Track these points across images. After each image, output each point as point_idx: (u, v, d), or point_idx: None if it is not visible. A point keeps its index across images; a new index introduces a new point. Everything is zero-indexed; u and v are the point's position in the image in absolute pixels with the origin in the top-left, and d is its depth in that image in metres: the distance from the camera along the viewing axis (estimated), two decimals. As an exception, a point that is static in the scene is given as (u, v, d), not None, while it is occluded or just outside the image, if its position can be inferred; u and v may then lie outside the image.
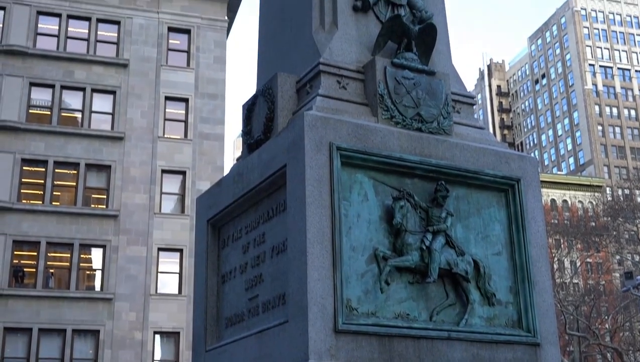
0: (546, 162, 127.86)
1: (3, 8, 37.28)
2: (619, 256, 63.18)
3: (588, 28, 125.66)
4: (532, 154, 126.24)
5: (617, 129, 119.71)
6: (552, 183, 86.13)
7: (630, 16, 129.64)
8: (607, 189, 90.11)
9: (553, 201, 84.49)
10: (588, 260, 64.71)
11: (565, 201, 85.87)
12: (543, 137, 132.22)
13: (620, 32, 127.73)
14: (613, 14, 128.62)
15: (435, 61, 7.74)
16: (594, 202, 66.29)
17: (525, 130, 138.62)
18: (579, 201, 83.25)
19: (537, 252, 7.23)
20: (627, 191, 72.62)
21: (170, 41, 39.28)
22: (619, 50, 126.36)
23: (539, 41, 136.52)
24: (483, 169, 7.18)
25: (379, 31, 7.47)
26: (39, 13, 37.74)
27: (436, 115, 7.26)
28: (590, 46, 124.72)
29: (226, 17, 40.83)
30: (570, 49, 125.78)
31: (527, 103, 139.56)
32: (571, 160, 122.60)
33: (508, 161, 7.39)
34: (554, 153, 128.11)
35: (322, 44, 7.44)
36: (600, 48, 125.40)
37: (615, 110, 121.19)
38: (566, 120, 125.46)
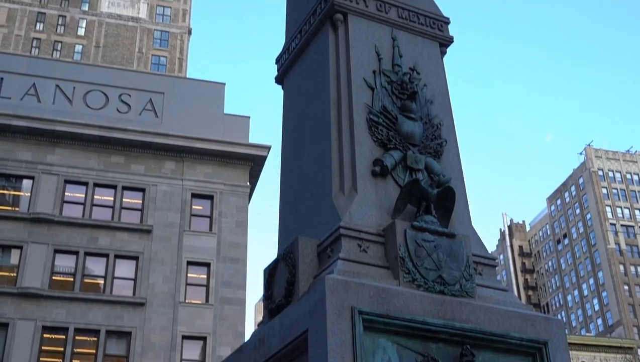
0: (574, 324, 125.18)
1: (32, 178, 38.33)
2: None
3: (606, 188, 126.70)
4: (559, 315, 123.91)
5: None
6: (580, 345, 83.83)
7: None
8: (639, 350, 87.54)
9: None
10: None
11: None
12: (569, 297, 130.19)
13: (639, 192, 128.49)
14: (630, 173, 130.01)
15: (455, 223, 7.79)
16: (626, 365, 64.26)
17: (550, 290, 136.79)
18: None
19: (569, 420, 6.95)
20: (659, 353, 70.43)
21: (193, 207, 39.89)
22: (639, 209, 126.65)
23: (558, 201, 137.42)
24: (509, 332, 7.03)
25: (397, 195, 7.57)
26: (67, 182, 38.68)
27: (458, 277, 7.21)
28: (610, 205, 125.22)
29: (248, 183, 41.62)
30: (590, 209, 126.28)
31: (550, 263, 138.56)
32: (599, 321, 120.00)
33: (534, 324, 7.24)
34: (581, 314, 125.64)
35: (342, 208, 7.52)
36: (620, 207, 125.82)
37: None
38: (591, 280, 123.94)
